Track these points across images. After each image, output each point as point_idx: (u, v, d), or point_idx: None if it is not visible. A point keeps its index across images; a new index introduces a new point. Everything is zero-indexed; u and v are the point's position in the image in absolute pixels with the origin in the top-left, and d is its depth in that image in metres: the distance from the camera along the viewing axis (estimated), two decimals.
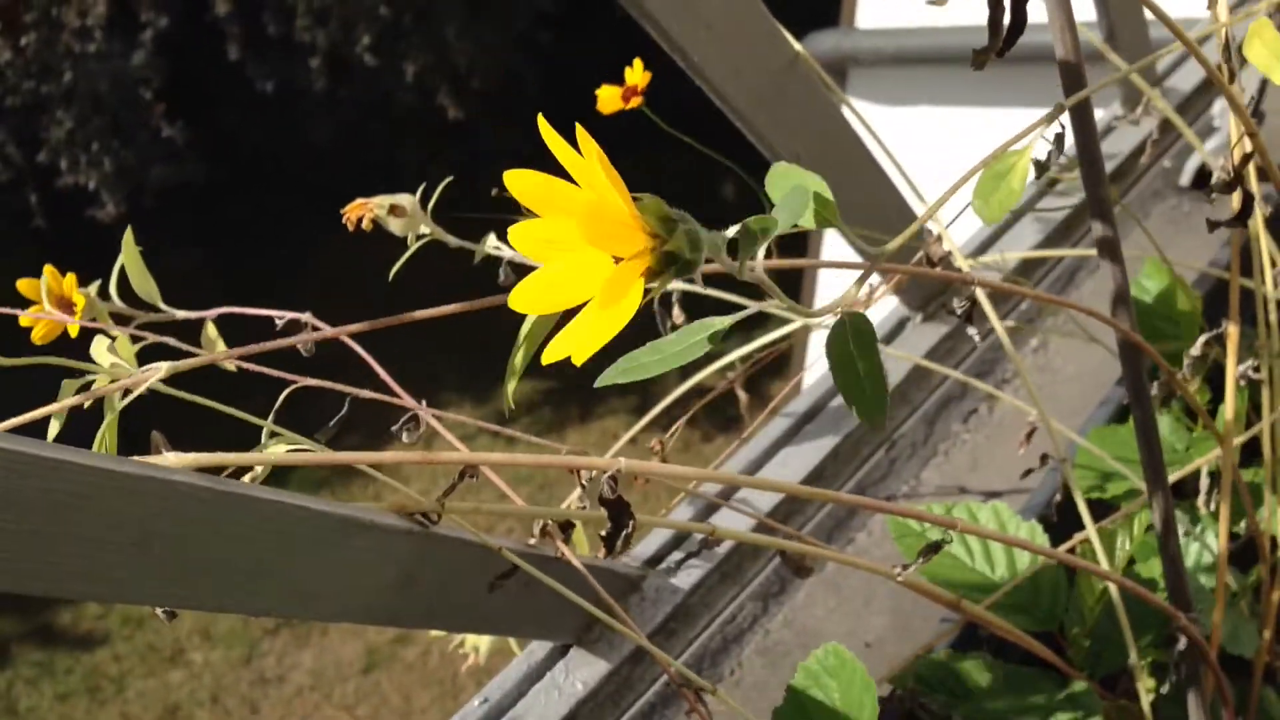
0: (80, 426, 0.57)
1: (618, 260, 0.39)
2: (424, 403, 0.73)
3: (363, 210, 0.77)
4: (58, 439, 0.54)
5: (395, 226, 0.78)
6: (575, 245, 0.40)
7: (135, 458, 0.48)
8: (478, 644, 0.88)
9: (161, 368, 0.51)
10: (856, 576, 1.07)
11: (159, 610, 0.54)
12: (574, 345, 0.38)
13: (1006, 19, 0.45)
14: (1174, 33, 0.53)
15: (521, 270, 0.86)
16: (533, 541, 0.73)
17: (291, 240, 5.87)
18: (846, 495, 0.66)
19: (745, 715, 0.76)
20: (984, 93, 3.32)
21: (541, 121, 0.37)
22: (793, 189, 0.47)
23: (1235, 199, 0.66)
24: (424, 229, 0.79)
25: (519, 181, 0.38)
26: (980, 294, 0.88)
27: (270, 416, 0.59)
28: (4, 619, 4.44)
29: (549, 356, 0.39)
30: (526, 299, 0.40)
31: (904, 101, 3.54)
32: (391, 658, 4.33)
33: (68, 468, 0.44)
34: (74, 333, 0.62)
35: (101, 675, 4.22)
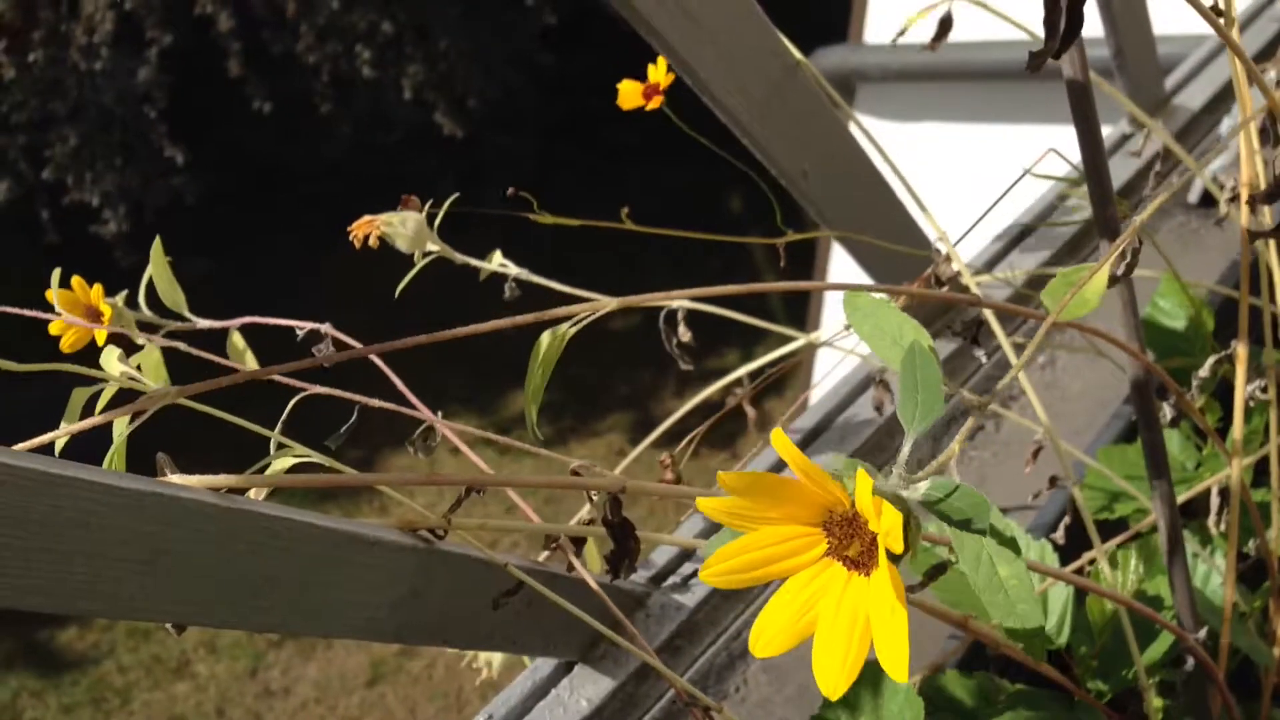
0: (91, 435, 0.57)
1: (826, 528, 0.41)
2: (440, 414, 0.73)
3: (369, 228, 0.77)
4: (69, 446, 0.54)
5: (402, 244, 0.78)
6: (773, 519, 0.41)
7: (142, 476, 0.48)
8: (490, 659, 0.88)
9: (170, 391, 0.51)
10: None
11: (168, 624, 0.54)
12: (888, 657, 0.38)
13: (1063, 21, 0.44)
14: (1213, 27, 0.52)
15: (526, 288, 0.86)
16: (544, 556, 0.73)
17: (298, 253, 5.89)
18: None
19: None
20: (991, 109, 3.32)
21: (776, 435, 0.38)
22: (910, 360, 0.44)
23: (1245, 214, 0.66)
24: (431, 246, 0.79)
25: (734, 479, 0.40)
26: (987, 312, 0.88)
27: (278, 426, 0.59)
28: (9, 630, 4.44)
29: (887, 666, 0.38)
30: (731, 570, 0.41)
31: (911, 117, 3.55)
32: (397, 670, 4.32)
33: (75, 485, 0.44)
34: (101, 340, 0.62)
35: (107, 687, 4.21)
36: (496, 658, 0.87)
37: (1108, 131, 1.46)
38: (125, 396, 0.57)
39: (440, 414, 0.72)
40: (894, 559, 0.39)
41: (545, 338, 0.54)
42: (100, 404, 0.55)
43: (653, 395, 5.63)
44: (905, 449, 0.41)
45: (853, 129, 0.92)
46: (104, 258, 5.16)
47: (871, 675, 0.64)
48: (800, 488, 0.39)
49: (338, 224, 0.80)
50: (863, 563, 0.40)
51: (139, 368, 0.58)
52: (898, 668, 0.37)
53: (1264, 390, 0.77)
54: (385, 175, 6.41)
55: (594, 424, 5.58)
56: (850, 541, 0.40)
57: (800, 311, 4.35)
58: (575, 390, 5.51)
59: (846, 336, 0.98)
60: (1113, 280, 0.49)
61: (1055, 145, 0.88)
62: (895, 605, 0.38)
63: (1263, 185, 0.64)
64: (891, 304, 0.48)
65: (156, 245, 0.63)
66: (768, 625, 0.41)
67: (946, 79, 3.44)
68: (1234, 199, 0.66)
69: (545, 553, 0.75)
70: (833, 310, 3.94)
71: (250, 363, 0.69)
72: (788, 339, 1.00)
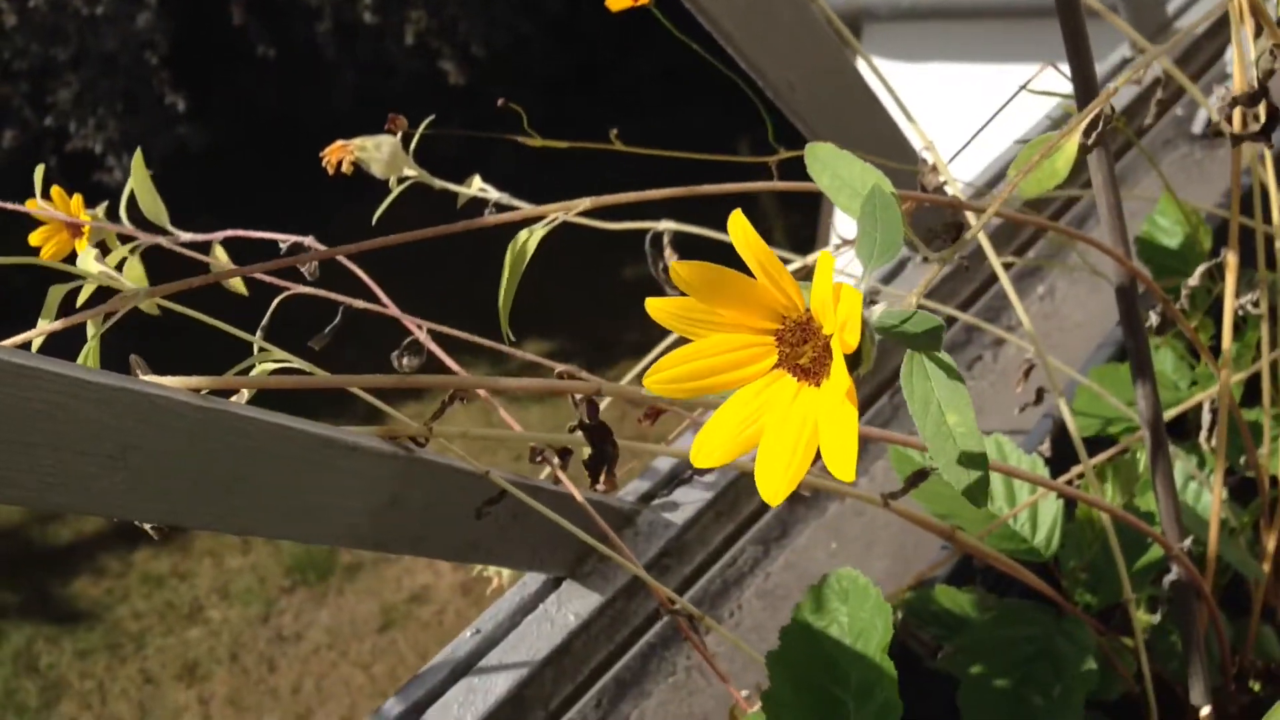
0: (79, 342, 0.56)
1: (778, 336, 0.40)
2: (423, 329, 0.72)
3: (342, 153, 0.76)
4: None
5: (376, 169, 0.77)
6: (723, 324, 0.39)
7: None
8: (500, 568, 0.87)
9: (141, 291, 0.51)
10: (858, 520, 1.07)
11: (146, 527, 0.54)
12: (835, 458, 0.37)
13: None
14: None
15: (507, 212, 0.85)
16: (544, 476, 0.72)
17: (303, 204, 5.88)
18: None
19: (743, 648, 0.76)
20: (999, 48, 3.28)
21: (734, 218, 0.36)
22: (871, 202, 0.42)
23: (1237, 119, 0.65)
24: (408, 171, 0.78)
25: (686, 270, 0.38)
26: (981, 236, 0.87)
27: (259, 332, 0.59)
28: (25, 577, 4.49)
29: (834, 467, 0.37)
30: (676, 378, 0.40)
31: (919, 57, 3.51)
32: (408, 616, 4.37)
33: (41, 376, 0.44)
34: (81, 249, 0.62)
35: (121, 633, 4.27)
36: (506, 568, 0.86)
37: (1111, 58, 1.44)
38: (105, 299, 0.57)
39: (423, 329, 0.71)
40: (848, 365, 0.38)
41: (519, 238, 0.54)
42: (81, 298, 0.55)
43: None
44: (862, 286, 0.40)
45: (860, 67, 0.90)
46: (114, 208, 5.15)
47: (844, 585, 0.64)
48: (754, 287, 0.38)
49: (343, 177, 0.79)
50: (814, 371, 0.39)
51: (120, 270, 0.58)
52: (845, 467, 0.36)
53: (1256, 305, 0.76)
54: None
55: (604, 372, 5.57)
56: (803, 348, 0.39)
57: (810, 227, 4.32)
58: (587, 339, 5.51)
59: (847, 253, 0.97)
60: (1084, 149, 0.48)
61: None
62: (844, 401, 0.36)
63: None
64: (858, 160, 0.47)
65: (137, 157, 0.62)
66: (710, 436, 0.39)
67: (957, 17, 3.39)
68: (1226, 107, 0.65)
69: (542, 460, 0.74)
70: (843, 228, 3.92)
71: (235, 281, 0.68)
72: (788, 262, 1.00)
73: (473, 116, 6.30)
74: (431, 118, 0.76)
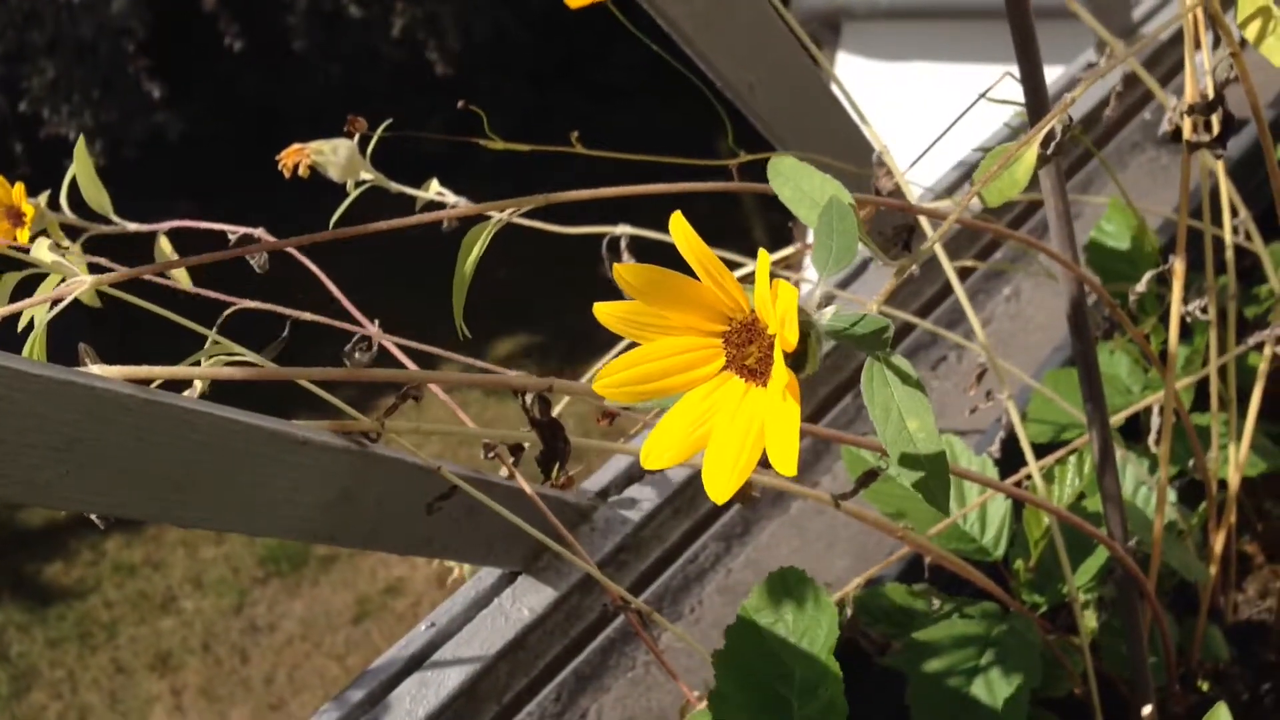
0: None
1: (725, 338, 0.40)
2: (377, 323, 0.72)
3: (298, 156, 0.75)
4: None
5: (333, 172, 0.77)
6: (671, 327, 0.40)
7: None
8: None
9: (86, 282, 0.51)
10: (820, 519, 1.08)
11: (93, 517, 0.54)
12: (777, 452, 0.38)
13: None
14: None
15: (469, 221, 0.86)
16: (505, 472, 0.72)
17: (282, 196, 5.85)
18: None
19: (694, 646, 0.76)
20: (979, 48, 3.29)
21: (675, 220, 0.37)
22: (828, 211, 0.43)
23: (1188, 126, 0.66)
24: (365, 175, 0.78)
25: (630, 273, 0.38)
26: (938, 248, 0.88)
27: (214, 328, 0.59)
28: None
29: (776, 461, 0.38)
30: (625, 382, 0.40)
31: (900, 57, 3.50)
32: (382, 608, 4.36)
33: None
34: (24, 240, 0.62)
35: (93, 622, 4.25)
36: None
37: (1079, 60, 1.45)
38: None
39: (376, 323, 0.72)
40: (792, 365, 0.38)
41: (469, 237, 0.54)
42: (41, 291, 0.55)
43: None
44: (818, 291, 0.41)
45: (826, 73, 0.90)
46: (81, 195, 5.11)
47: (792, 587, 0.64)
48: (699, 289, 0.39)
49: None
50: (760, 371, 0.40)
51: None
52: (786, 461, 0.37)
53: (1204, 310, 0.77)
54: (378, 118, 6.32)
55: (581, 368, 5.58)
56: (749, 348, 0.40)
57: (781, 226, 4.32)
58: (566, 335, 5.51)
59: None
60: (1042, 160, 0.49)
61: (1049, 86, 0.87)
62: (785, 396, 0.37)
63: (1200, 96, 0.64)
64: (819, 173, 0.48)
65: (80, 144, 0.62)
66: (660, 438, 0.40)
67: (938, 17, 3.40)
68: (1180, 115, 0.66)
69: (492, 454, 0.74)
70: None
71: (181, 274, 0.68)
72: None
73: (457, 109, 6.27)
74: (389, 121, 0.77)
